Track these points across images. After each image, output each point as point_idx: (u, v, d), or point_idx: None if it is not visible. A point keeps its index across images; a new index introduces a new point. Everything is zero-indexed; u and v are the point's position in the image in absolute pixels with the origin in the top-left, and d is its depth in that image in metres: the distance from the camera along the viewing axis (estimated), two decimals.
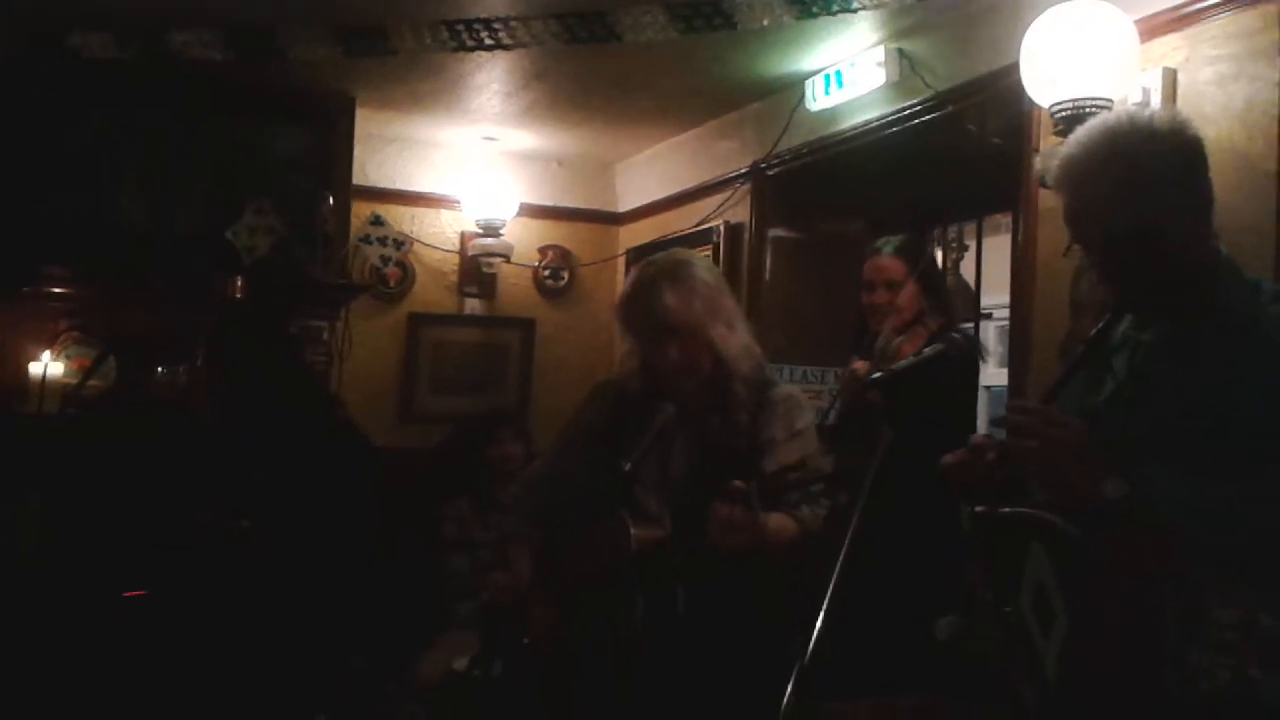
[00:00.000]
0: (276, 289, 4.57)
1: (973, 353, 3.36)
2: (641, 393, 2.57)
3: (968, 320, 4.56)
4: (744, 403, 2.48)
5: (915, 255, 3.38)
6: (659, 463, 2.51)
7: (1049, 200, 3.12)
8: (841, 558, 1.67)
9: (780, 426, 2.47)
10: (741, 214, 4.96)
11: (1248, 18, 2.74)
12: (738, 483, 2.15)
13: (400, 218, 5.57)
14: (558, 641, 2.51)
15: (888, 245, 3.39)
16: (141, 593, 3.21)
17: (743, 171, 4.89)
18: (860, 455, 1.86)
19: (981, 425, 4.23)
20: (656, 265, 2.58)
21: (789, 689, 1.56)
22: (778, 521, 2.31)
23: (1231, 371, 1.69)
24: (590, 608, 2.45)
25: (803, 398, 2.62)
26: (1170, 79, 2.89)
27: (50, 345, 4.39)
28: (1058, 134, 2.93)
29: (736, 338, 2.53)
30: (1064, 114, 2.88)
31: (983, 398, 4.61)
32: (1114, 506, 1.60)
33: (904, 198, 4.55)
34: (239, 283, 4.49)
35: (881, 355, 3.17)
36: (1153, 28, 2.94)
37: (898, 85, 3.92)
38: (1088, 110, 2.78)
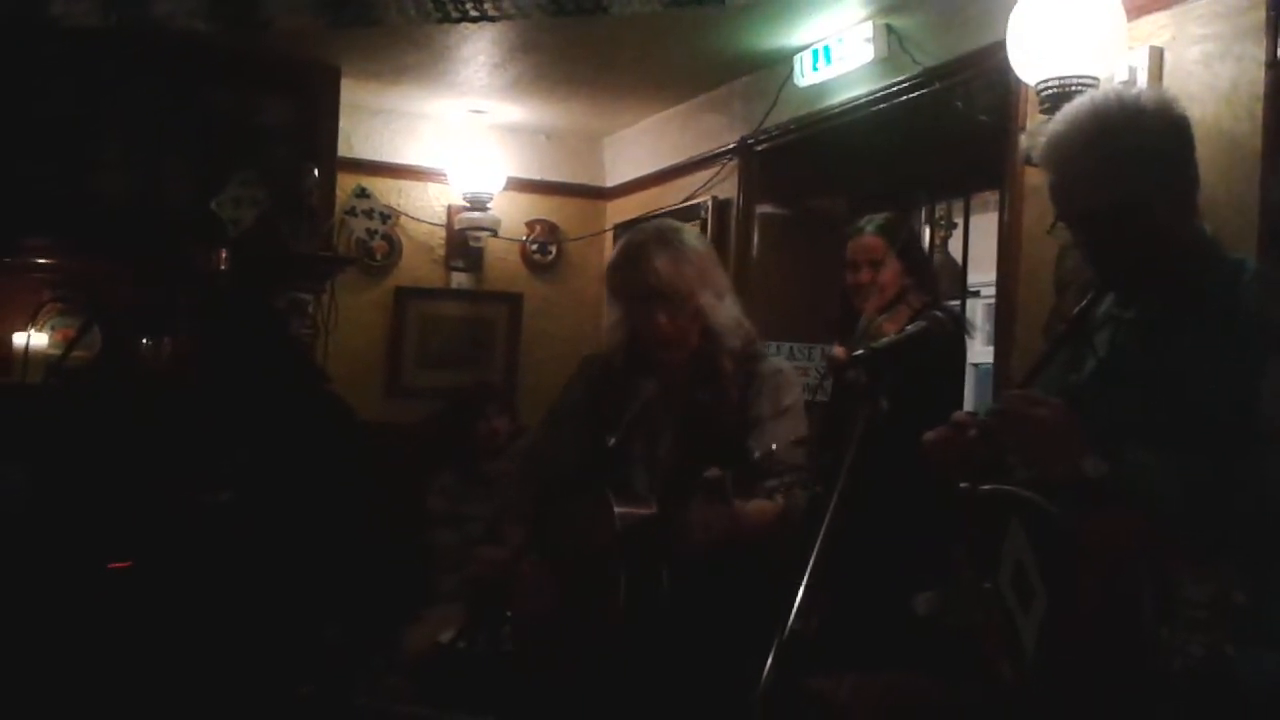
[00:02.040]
0: (261, 261, 4.55)
1: (958, 330, 3.36)
2: (626, 367, 2.55)
3: (954, 298, 4.57)
4: (731, 377, 2.46)
5: (897, 233, 3.39)
6: (646, 439, 2.50)
7: (1035, 178, 3.12)
8: (823, 533, 1.68)
9: (768, 403, 2.45)
10: (729, 190, 4.94)
11: None
12: (714, 471, 2.14)
13: (386, 190, 5.53)
14: (544, 615, 2.52)
15: (869, 224, 3.39)
16: (126, 564, 3.21)
17: (731, 147, 4.88)
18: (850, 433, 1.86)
19: (969, 403, 4.24)
20: (646, 231, 2.56)
21: (769, 663, 1.57)
22: (758, 505, 2.29)
23: (1212, 350, 1.69)
24: (576, 584, 2.45)
25: (791, 372, 2.60)
26: (1157, 58, 2.89)
27: (34, 316, 4.37)
28: (1044, 112, 2.93)
29: (726, 309, 2.50)
30: (1050, 92, 2.88)
31: (970, 375, 4.63)
32: (1093, 485, 1.61)
33: (892, 175, 4.55)
34: (223, 255, 4.46)
35: (863, 334, 3.18)
36: (1140, 6, 2.93)
37: (886, 62, 3.91)
38: (1074, 88, 2.78)
